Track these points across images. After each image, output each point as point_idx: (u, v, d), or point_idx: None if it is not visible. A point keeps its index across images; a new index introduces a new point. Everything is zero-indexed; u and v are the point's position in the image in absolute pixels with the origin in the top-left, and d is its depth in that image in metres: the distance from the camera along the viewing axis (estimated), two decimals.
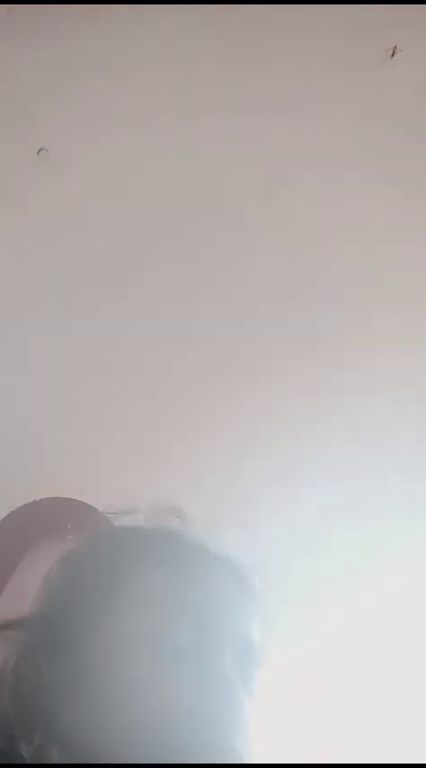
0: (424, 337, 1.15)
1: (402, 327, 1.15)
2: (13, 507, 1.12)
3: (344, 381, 1.10)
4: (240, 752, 0.57)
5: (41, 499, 1.12)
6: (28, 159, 1.19)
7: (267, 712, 0.62)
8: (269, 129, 1.27)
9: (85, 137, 1.20)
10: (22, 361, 1.18)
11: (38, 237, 1.21)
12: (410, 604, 0.99)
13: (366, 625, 0.99)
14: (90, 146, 1.20)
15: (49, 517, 1.11)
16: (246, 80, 1.26)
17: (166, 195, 1.21)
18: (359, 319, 1.15)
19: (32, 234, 1.21)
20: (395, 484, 1.05)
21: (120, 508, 0.70)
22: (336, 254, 1.24)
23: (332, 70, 1.29)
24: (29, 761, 0.56)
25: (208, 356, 1.14)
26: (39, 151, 1.19)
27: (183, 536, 0.67)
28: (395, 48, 1.29)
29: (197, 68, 1.22)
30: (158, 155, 1.21)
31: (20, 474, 1.15)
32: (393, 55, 1.29)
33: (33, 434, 1.16)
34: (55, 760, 0.56)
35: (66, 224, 1.20)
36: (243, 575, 0.65)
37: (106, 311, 1.18)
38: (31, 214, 1.21)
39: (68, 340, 1.18)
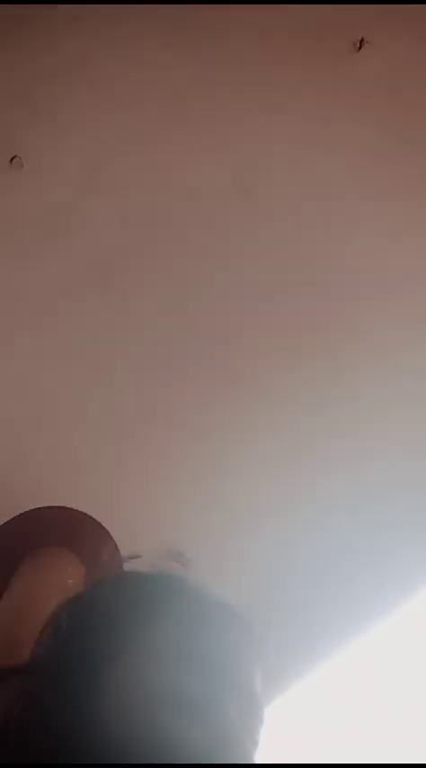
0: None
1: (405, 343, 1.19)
2: (11, 515, 1.16)
3: (348, 415, 1.14)
4: None
5: (39, 508, 1.15)
6: (0, 167, 1.18)
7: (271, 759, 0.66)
8: (239, 127, 1.27)
9: (59, 144, 1.18)
10: (17, 369, 1.19)
11: (11, 247, 1.20)
12: (413, 652, 1.05)
13: (367, 674, 1.04)
14: (64, 153, 1.19)
15: (47, 526, 1.14)
16: (215, 77, 1.25)
17: (143, 200, 1.21)
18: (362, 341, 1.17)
19: (5, 243, 1.20)
20: (400, 519, 1.09)
21: (124, 554, 0.72)
22: (311, 249, 1.26)
23: (298, 64, 1.29)
24: None
25: (201, 362, 1.17)
26: (12, 159, 1.18)
27: (187, 583, 0.69)
28: (362, 40, 1.29)
29: (166, 71, 1.21)
30: (134, 160, 1.20)
31: (17, 482, 1.17)
32: (360, 48, 1.29)
33: (30, 442, 1.19)
34: None
35: (40, 233, 1.20)
36: (244, 623, 0.68)
37: (88, 321, 1.20)
38: (4, 223, 1.20)
39: (53, 350, 1.20)
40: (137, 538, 1.02)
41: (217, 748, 0.58)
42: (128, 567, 0.74)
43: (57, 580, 1.09)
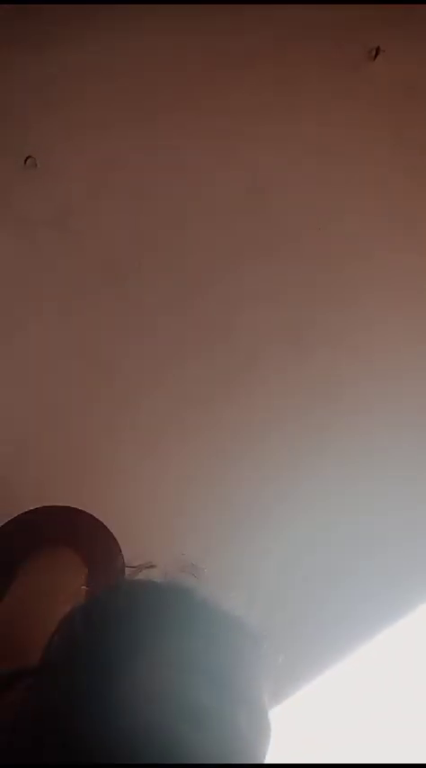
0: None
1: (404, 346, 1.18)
2: (13, 515, 1.15)
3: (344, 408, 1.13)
4: None
5: (42, 507, 1.14)
6: (15, 167, 1.18)
7: None
8: (252, 131, 1.28)
9: (73, 144, 1.19)
10: (20, 368, 1.19)
11: (25, 246, 1.21)
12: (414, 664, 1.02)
13: (374, 683, 1.03)
14: (78, 153, 1.19)
15: (50, 526, 1.13)
16: (229, 83, 1.26)
17: (156, 201, 1.22)
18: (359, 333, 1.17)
19: (19, 242, 1.21)
20: (401, 515, 1.08)
21: (139, 564, 0.72)
22: (324, 254, 1.26)
23: (314, 72, 1.29)
24: None
25: (205, 362, 1.16)
26: (27, 159, 1.19)
27: (199, 595, 0.69)
28: (378, 48, 1.29)
29: (182, 73, 1.22)
30: (147, 161, 1.21)
31: (21, 481, 1.17)
32: (375, 56, 1.29)
33: (33, 442, 1.18)
34: None
35: (54, 232, 1.20)
36: (254, 638, 0.68)
37: (99, 319, 1.20)
38: (19, 222, 1.20)
39: (64, 347, 1.20)
40: (139, 538, 1.01)
41: (227, 758, 0.58)
42: (141, 576, 0.73)
43: (59, 581, 1.08)
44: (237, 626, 0.68)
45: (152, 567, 0.74)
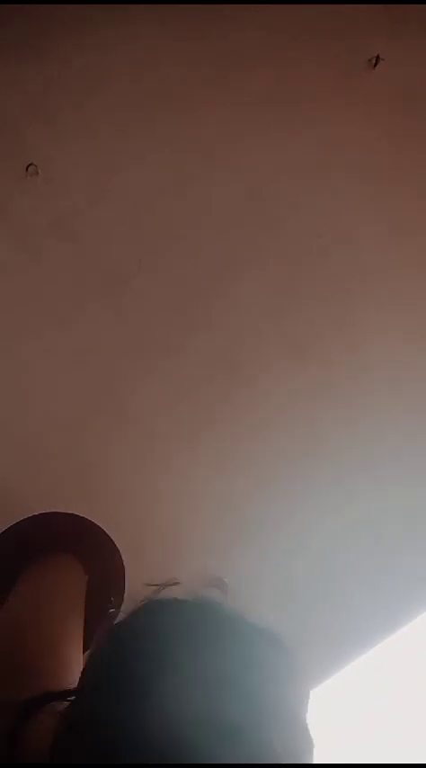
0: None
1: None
2: (13, 521, 1.15)
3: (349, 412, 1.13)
4: None
5: (44, 513, 1.15)
6: (16, 175, 1.19)
7: None
8: (252, 139, 1.28)
9: (75, 152, 1.19)
10: (22, 377, 1.19)
11: (27, 254, 1.21)
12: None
13: (375, 690, 1.02)
14: (80, 161, 1.19)
15: (52, 532, 1.14)
16: (229, 91, 1.26)
17: (158, 209, 1.22)
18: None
19: (21, 250, 1.21)
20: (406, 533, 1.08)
21: (162, 582, 0.73)
22: (324, 261, 1.27)
23: (313, 79, 1.29)
24: None
25: (206, 368, 1.17)
26: (28, 167, 1.19)
27: (227, 611, 0.69)
28: (378, 57, 1.29)
29: (183, 79, 1.22)
30: (148, 168, 1.21)
31: (22, 488, 1.17)
32: (375, 65, 1.30)
33: (37, 448, 1.18)
34: None
35: (55, 240, 1.21)
36: (287, 652, 0.68)
37: (100, 327, 1.20)
38: (20, 230, 1.21)
39: (65, 356, 1.20)
40: (141, 546, 1.01)
41: None
42: (166, 593, 0.73)
43: (60, 588, 1.08)
44: (268, 640, 0.67)
45: (176, 583, 0.74)
